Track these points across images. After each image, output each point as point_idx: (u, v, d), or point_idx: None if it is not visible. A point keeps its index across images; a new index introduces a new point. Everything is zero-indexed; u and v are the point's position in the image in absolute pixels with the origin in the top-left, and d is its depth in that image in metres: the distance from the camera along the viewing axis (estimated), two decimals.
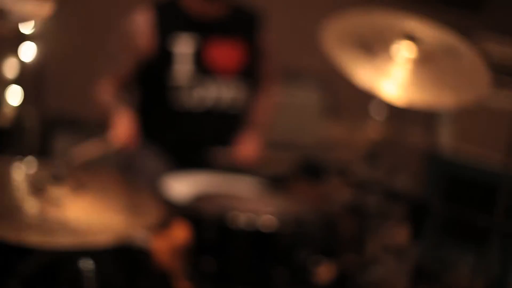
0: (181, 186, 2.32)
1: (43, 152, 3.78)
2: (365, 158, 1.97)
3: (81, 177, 1.76)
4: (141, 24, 2.63)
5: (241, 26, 2.75)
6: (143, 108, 2.73)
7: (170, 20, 2.67)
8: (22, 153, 3.72)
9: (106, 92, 2.68)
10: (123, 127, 2.45)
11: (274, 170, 2.31)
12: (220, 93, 2.64)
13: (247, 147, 2.63)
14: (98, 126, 3.73)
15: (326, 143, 3.98)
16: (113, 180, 1.91)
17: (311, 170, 1.96)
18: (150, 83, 2.69)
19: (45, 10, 2.05)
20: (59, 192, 1.68)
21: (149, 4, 2.69)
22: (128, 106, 2.64)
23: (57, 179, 1.70)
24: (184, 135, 2.68)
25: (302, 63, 3.96)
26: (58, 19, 3.71)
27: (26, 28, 2.70)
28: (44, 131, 3.80)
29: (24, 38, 3.57)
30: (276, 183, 2.16)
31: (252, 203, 2.06)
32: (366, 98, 4.22)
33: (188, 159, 2.63)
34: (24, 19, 2.12)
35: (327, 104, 4.04)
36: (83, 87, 3.89)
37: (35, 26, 3.02)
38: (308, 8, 4.12)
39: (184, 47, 2.62)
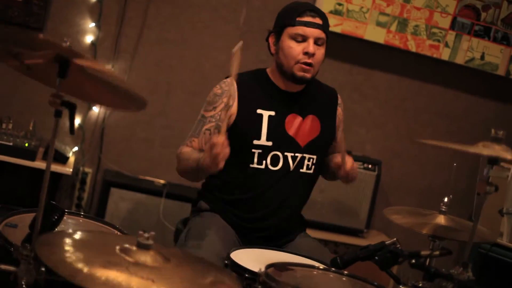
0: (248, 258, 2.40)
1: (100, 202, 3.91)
2: (432, 240, 2.06)
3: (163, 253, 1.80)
4: (229, 87, 2.77)
5: (322, 101, 2.91)
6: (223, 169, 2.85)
7: (256, 87, 2.82)
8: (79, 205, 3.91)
9: (186, 150, 2.76)
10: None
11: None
12: (296, 155, 2.81)
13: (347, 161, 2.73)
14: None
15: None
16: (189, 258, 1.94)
17: (385, 256, 2.02)
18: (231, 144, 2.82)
19: None
20: (145, 260, 1.71)
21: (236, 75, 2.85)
22: None
23: (144, 248, 1.76)
24: (261, 191, 2.80)
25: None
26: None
27: None
28: (101, 186, 3.95)
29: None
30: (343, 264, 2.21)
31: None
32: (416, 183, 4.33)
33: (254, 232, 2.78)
34: None
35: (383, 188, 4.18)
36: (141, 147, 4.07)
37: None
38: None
39: (267, 112, 2.78)
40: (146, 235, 1.82)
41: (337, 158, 2.75)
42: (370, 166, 4.01)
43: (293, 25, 2.72)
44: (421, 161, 4.44)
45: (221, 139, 2.38)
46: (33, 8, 3.75)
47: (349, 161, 2.70)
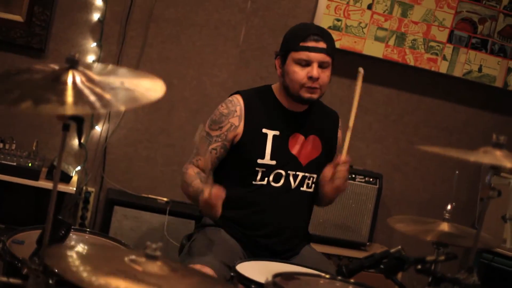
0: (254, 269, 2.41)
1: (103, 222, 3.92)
2: (436, 248, 2.08)
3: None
4: (235, 107, 2.81)
5: (324, 123, 2.94)
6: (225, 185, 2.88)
7: (262, 105, 2.85)
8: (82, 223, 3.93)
9: (190, 173, 2.80)
10: (211, 191, 2.52)
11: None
12: (298, 173, 2.84)
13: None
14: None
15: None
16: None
17: (391, 262, 2.04)
18: (235, 161, 2.84)
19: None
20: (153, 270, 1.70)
21: (242, 93, 2.89)
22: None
23: (152, 259, 1.78)
24: (263, 207, 2.82)
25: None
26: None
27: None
28: (105, 205, 3.96)
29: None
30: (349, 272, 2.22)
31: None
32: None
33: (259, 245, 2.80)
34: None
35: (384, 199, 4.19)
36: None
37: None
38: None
39: (272, 132, 2.81)
40: (154, 246, 1.84)
41: (328, 168, 2.79)
42: (371, 179, 4.03)
43: (297, 50, 2.75)
44: (422, 174, 4.46)
45: (207, 194, 2.48)
46: (35, 29, 3.79)
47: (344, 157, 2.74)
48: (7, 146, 3.62)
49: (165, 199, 3.98)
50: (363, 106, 4.33)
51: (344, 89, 4.27)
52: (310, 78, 2.74)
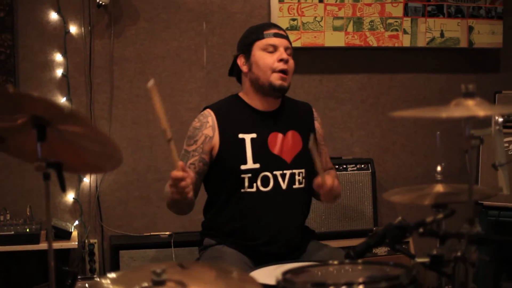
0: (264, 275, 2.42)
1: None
2: (435, 210, 2.10)
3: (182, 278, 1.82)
4: (206, 119, 2.84)
5: (299, 116, 2.96)
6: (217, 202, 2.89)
7: (233, 112, 2.88)
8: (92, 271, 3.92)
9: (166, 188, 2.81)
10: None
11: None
12: (284, 173, 2.85)
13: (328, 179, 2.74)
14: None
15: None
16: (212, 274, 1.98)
17: (394, 233, 2.06)
18: (220, 174, 2.85)
19: None
20: None
21: (211, 105, 2.91)
22: None
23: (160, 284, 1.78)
24: (259, 216, 2.83)
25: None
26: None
27: None
28: (110, 253, 3.96)
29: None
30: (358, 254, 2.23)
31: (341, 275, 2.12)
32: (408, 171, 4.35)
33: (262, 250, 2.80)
34: None
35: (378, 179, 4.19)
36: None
37: None
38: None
39: (248, 136, 2.83)
40: (158, 270, 1.84)
41: (317, 180, 2.77)
42: (363, 165, 4.05)
43: (262, 38, 2.82)
44: (411, 149, 4.49)
45: (178, 173, 2.45)
46: None
47: (328, 179, 2.73)
48: (1, 218, 3.62)
49: (167, 233, 3.98)
50: (338, 97, 4.36)
51: (315, 85, 4.30)
52: (281, 60, 2.78)
